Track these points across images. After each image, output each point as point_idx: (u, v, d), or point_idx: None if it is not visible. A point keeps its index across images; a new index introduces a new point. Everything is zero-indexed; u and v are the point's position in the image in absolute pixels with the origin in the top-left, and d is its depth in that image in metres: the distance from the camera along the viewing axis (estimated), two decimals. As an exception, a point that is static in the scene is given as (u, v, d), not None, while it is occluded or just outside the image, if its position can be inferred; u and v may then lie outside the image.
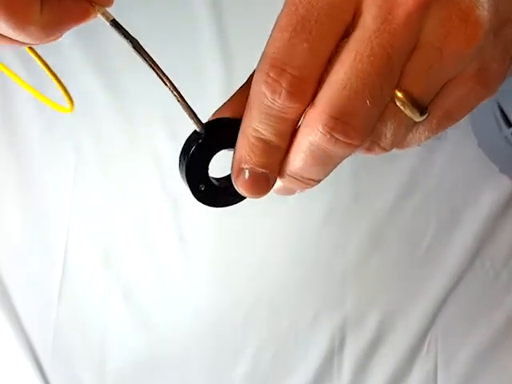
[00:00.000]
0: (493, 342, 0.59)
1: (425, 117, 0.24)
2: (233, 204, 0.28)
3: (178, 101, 0.26)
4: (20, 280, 0.62)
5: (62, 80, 0.62)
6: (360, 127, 0.23)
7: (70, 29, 0.26)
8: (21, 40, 0.25)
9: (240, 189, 0.26)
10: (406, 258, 0.60)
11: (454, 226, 0.59)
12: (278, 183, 0.27)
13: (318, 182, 0.26)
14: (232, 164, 0.26)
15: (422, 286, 0.59)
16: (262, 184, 0.26)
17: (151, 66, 0.25)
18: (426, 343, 0.59)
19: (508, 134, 0.52)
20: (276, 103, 0.23)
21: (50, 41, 0.26)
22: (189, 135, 0.27)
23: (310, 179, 0.25)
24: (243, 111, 0.25)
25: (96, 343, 0.62)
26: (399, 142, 0.25)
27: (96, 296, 0.62)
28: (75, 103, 0.64)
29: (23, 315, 0.62)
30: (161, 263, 0.61)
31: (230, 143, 0.26)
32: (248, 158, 0.25)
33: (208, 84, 0.59)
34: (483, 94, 0.25)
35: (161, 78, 0.25)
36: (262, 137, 0.24)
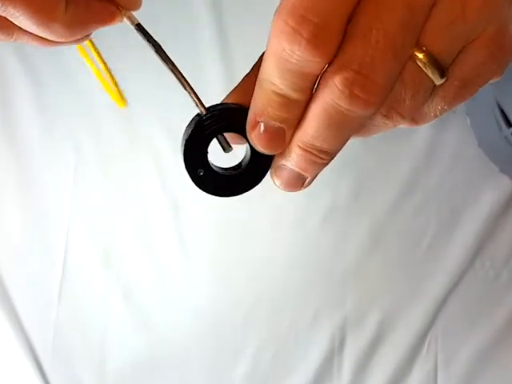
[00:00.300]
0: (493, 342, 0.59)
1: (444, 80, 0.23)
2: (235, 195, 0.26)
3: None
4: (20, 280, 0.62)
5: (62, 79, 0.62)
6: (380, 82, 0.22)
7: (95, 29, 0.26)
8: (46, 37, 0.25)
9: (254, 142, 0.25)
10: (406, 257, 0.60)
11: (454, 226, 0.59)
12: (287, 171, 0.25)
13: (330, 157, 0.24)
14: (248, 117, 0.25)
15: (422, 286, 0.59)
16: (278, 139, 0.24)
17: (172, 71, 0.25)
18: (426, 343, 0.59)
19: (508, 134, 0.52)
20: (295, 56, 0.21)
21: (78, 41, 0.26)
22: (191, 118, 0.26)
23: (322, 151, 0.24)
24: (249, 99, 0.24)
25: (96, 343, 0.62)
26: (417, 109, 0.24)
27: (96, 296, 0.62)
28: (75, 103, 0.64)
29: (23, 315, 0.62)
30: (161, 263, 0.61)
31: (232, 127, 0.25)
32: (264, 110, 0.24)
33: (208, 84, 0.59)
34: (499, 61, 0.24)
35: (181, 82, 0.25)
36: (280, 91, 0.23)
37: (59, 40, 0.25)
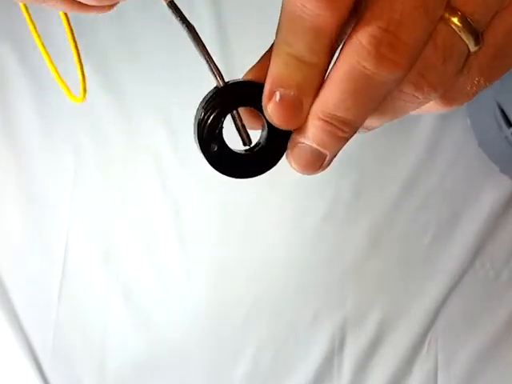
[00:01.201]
0: (493, 342, 0.59)
1: (479, 47, 0.22)
2: (247, 176, 0.25)
3: (209, 64, 0.24)
4: (20, 280, 0.62)
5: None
6: (410, 42, 0.20)
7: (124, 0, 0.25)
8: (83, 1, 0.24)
9: (270, 115, 0.23)
10: (406, 257, 0.60)
11: (454, 226, 0.59)
12: (304, 149, 0.23)
13: (353, 130, 0.23)
14: (264, 88, 0.23)
15: (422, 286, 0.59)
16: (294, 109, 0.22)
17: (201, 51, 0.24)
18: (427, 343, 0.59)
19: (508, 134, 0.52)
20: (306, 10, 0.20)
21: (105, 8, 0.25)
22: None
23: (345, 122, 0.22)
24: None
25: (96, 343, 0.62)
26: (449, 80, 0.22)
27: (96, 296, 0.62)
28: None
29: (23, 315, 0.62)
30: (161, 263, 0.61)
31: (249, 101, 0.24)
32: (280, 77, 0.22)
33: (208, 81, 0.59)
34: None
35: (208, 63, 0.24)
36: (294, 52, 0.21)
37: (88, 3, 0.24)
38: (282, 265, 0.61)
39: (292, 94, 0.22)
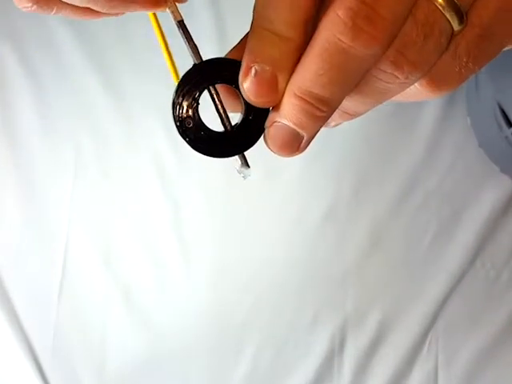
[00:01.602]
0: (494, 342, 0.58)
1: (463, 26, 0.21)
2: (223, 156, 0.25)
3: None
4: (20, 280, 0.62)
5: (62, 81, 0.62)
6: (387, 16, 0.20)
7: (135, 11, 0.25)
8: (88, 5, 0.24)
9: (245, 91, 0.22)
10: (406, 257, 0.60)
11: (454, 226, 0.59)
12: (281, 128, 0.23)
13: (330, 109, 0.22)
14: (241, 65, 0.23)
15: (422, 286, 0.59)
16: (270, 85, 0.22)
17: (182, 33, 0.24)
18: (427, 343, 0.59)
19: (508, 134, 0.52)
20: None
21: (116, 14, 0.25)
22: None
23: (322, 100, 0.21)
24: None
25: (96, 343, 0.62)
26: (432, 58, 0.21)
27: (96, 296, 0.62)
28: (75, 104, 0.64)
29: (23, 315, 0.62)
30: (161, 263, 0.61)
31: (226, 78, 0.23)
32: (256, 52, 0.22)
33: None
34: None
35: (187, 41, 0.24)
36: (270, 26, 0.21)
37: (99, 10, 0.24)
38: (282, 265, 0.61)
39: (267, 69, 0.22)
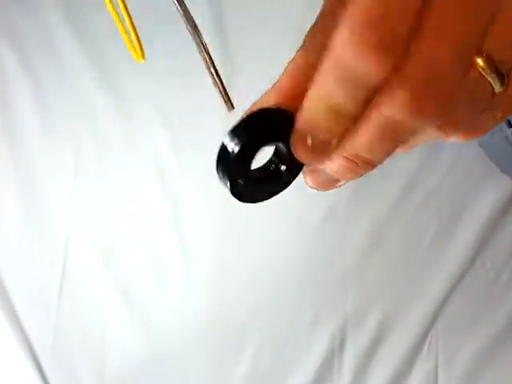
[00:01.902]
0: (493, 342, 0.59)
1: (504, 87, 0.21)
2: (265, 199, 0.25)
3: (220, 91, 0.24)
4: (20, 280, 0.63)
5: (62, 81, 0.62)
6: (446, 93, 0.20)
7: None
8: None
9: (298, 154, 0.22)
10: (406, 257, 0.60)
11: (454, 226, 0.59)
12: (323, 175, 0.24)
13: (373, 167, 0.22)
14: (295, 127, 0.22)
15: (422, 286, 0.59)
16: (324, 152, 0.22)
17: (203, 52, 0.24)
18: (427, 343, 0.59)
19: (508, 134, 0.52)
20: (359, 64, 0.19)
21: None
22: (228, 130, 0.23)
23: (367, 162, 0.22)
24: (290, 97, 0.22)
25: (96, 343, 0.62)
26: (472, 120, 0.22)
27: (96, 296, 0.62)
28: (75, 104, 0.64)
29: (23, 315, 0.62)
30: (161, 263, 0.61)
31: (277, 137, 0.23)
32: (315, 124, 0.21)
33: (207, 84, 0.59)
34: None
35: (208, 65, 0.24)
36: (334, 102, 0.20)
37: None
38: (282, 265, 0.61)
39: (323, 137, 0.22)
